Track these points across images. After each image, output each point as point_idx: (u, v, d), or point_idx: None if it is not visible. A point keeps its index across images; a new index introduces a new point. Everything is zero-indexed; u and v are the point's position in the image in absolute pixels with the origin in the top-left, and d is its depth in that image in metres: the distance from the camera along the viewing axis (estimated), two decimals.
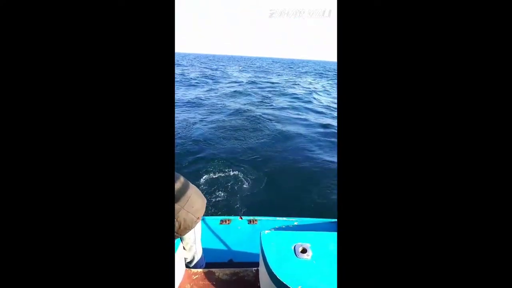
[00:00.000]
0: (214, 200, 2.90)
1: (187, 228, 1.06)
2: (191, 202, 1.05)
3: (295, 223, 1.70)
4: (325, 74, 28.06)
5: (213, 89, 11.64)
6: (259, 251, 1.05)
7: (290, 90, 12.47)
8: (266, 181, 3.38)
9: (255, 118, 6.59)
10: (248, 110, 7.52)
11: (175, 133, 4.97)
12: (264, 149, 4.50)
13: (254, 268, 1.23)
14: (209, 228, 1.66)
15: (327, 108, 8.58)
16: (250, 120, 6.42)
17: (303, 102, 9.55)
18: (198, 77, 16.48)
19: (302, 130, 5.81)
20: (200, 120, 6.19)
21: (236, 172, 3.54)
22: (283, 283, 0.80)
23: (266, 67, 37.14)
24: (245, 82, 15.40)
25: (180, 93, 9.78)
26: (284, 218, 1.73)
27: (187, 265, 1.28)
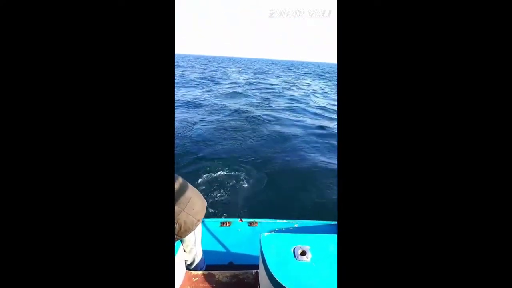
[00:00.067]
0: (213, 201, 2.90)
1: (188, 230, 1.06)
2: (192, 204, 1.05)
3: (295, 225, 1.70)
4: (324, 76, 28.12)
5: (213, 90, 11.67)
6: (259, 254, 1.05)
7: (289, 92, 12.50)
8: (266, 182, 3.38)
9: (254, 119, 6.60)
10: (247, 111, 7.54)
11: (175, 134, 4.98)
12: (263, 150, 4.50)
13: (254, 271, 1.23)
14: (210, 230, 1.66)
15: (325, 110, 8.59)
16: (249, 121, 6.43)
17: (301, 103, 9.57)
18: (197, 78, 16.51)
19: (300, 131, 5.82)
20: (200, 121, 6.20)
21: (236, 173, 3.54)
22: (282, 285, 0.79)
23: (266, 68, 37.21)
24: (244, 83, 15.44)
25: (180, 94, 9.80)
26: (284, 220, 1.73)
27: (187, 267, 1.28)
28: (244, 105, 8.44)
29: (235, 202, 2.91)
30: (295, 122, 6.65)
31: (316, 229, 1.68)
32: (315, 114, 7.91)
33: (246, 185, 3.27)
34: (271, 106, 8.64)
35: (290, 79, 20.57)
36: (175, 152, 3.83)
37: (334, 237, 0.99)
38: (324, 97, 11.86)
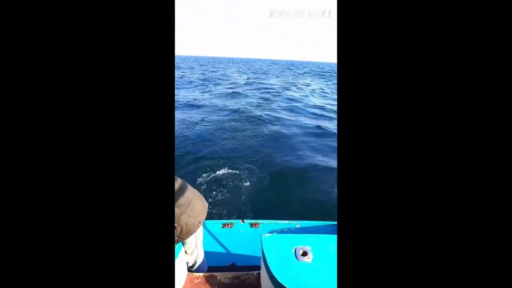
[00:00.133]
0: (214, 202, 2.90)
1: (189, 233, 1.06)
2: (193, 206, 1.05)
3: (297, 226, 1.70)
4: (324, 76, 28.11)
5: (212, 91, 11.69)
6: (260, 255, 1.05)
7: (288, 92, 12.50)
8: (267, 182, 3.38)
9: (254, 119, 6.62)
10: (246, 111, 7.55)
11: (175, 134, 4.99)
12: (263, 150, 4.51)
13: (255, 272, 1.23)
14: (212, 232, 1.66)
15: (323, 109, 8.59)
16: (249, 121, 6.44)
17: (300, 103, 9.57)
18: (197, 79, 16.54)
19: (299, 131, 5.83)
20: (200, 121, 6.21)
21: (236, 174, 3.54)
22: (284, 286, 0.79)
23: (266, 68, 37.24)
24: (243, 83, 15.46)
25: (180, 95, 9.82)
26: (286, 221, 1.73)
27: (189, 269, 1.28)
28: (243, 105, 8.45)
29: (236, 203, 2.91)
30: (294, 122, 6.66)
31: (318, 230, 1.68)
32: (314, 114, 7.92)
33: (247, 186, 3.27)
34: (270, 106, 8.64)
35: (289, 79, 20.58)
36: (175, 153, 3.84)
37: (335, 238, 0.99)
38: (323, 97, 11.86)
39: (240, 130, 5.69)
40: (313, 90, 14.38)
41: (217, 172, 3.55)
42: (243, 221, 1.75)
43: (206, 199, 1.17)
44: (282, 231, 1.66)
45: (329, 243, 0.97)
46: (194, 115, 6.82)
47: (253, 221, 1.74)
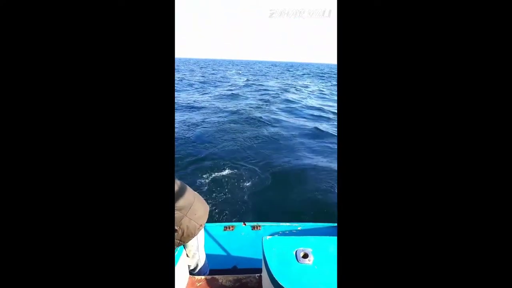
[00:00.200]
0: (215, 204, 2.90)
1: (190, 236, 1.06)
2: (194, 209, 1.05)
3: (299, 228, 1.70)
4: (323, 77, 28.16)
5: (212, 93, 11.72)
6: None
7: (287, 94, 12.52)
8: (268, 184, 3.37)
9: (254, 121, 6.63)
10: (246, 112, 7.57)
11: (175, 137, 5.00)
12: (263, 151, 4.51)
13: (257, 274, 1.23)
14: (213, 234, 1.66)
15: (322, 111, 8.61)
16: (249, 123, 6.46)
17: (299, 105, 9.58)
18: (197, 81, 16.59)
19: (297, 132, 5.83)
20: (200, 123, 6.23)
21: (237, 175, 3.54)
22: None
23: (265, 70, 37.33)
24: (242, 85, 15.50)
25: (181, 97, 9.85)
26: (288, 223, 1.73)
27: (191, 272, 1.28)
28: (243, 107, 8.48)
29: (237, 205, 2.91)
30: (293, 124, 6.67)
31: (319, 232, 1.68)
32: (313, 115, 7.93)
33: (248, 188, 3.26)
34: (269, 108, 8.66)
35: (289, 81, 20.64)
36: (176, 155, 3.85)
37: (336, 239, 0.99)
38: (321, 99, 11.87)
39: (240, 131, 5.70)
40: (311, 91, 14.41)
41: (218, 174, 3.55)
42: (245, 224, 1.74)
43: (207, 201, 1.18)
44: (283, 233, 1.66)
45: (330, 245, 0.97)
46: (194, 117, 6.84)
47: (255, 223, 1.74)
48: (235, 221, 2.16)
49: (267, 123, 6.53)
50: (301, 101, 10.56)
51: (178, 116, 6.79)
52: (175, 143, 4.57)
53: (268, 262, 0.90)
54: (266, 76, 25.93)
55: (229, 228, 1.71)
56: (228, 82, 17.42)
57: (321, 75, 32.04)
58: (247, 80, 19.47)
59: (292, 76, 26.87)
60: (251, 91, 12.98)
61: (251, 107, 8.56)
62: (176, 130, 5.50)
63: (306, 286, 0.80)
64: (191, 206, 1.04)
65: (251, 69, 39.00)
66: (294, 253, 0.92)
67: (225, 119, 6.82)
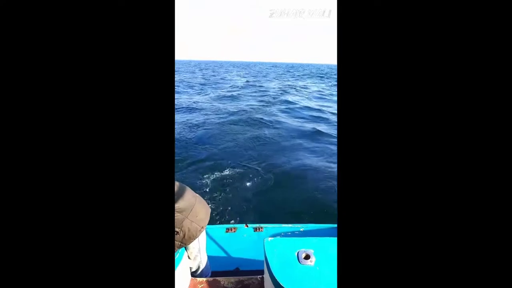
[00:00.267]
0: (216, 206, 2.90)
1: (192, 238, 1.06)
2: (195, 211, 1.06)
3: (301, 229, 1.69)
4: (323, 78, 28.19)
5: (212, 94, 11.76)
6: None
7: (287, 95, 12.54)
8: (270, 185, 3.37)
9: (254, 122, 6.64)
10: (246, 114, 7.59)
11: (176, 138, 5.02)
12: (263, 152, 4.51)
13: (259, 276, 1.23)
14: (215, 236, 1.66)
15: (323, 112, 8.61)
16: (249, 124, 6.47)
17: (299, 106, 9.59)
18: (198, 83, 16.66)
19: (298, 133, 5.84)
20: (200, 124, 6.24)
21: (238, 177, 3.54)
22: None
23: (265, 72, 37.41)
24: (243, 86, 15.54)
25: (181, 99, 9.89)
26: (290, 225, 1.72)
27: (193, 274, 1.28)
28: (243, 108, 8.49)
29: (238, 206, 2.91)
30: (292, 125, 6.68)
31: (321, 233, 1.67)
32: (313, 116, 7.94)
33: (249, 189, 3.26)
34: (269, 109, 8.67)
35: (290, 83, 20.69)
36: (176, 157, 3.86)
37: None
38: (321, 99, 11.87)
39: (241, 133, 5.71)
40: (311, 92, 14.43)
41: (219, 176, 3.55)
42: (247, 226, 1.74)
43: (208, 203, 1.18)
44: (285, 235, 1.66)
45: (332, 246, 0.97)
46: (195, 118, 6.86)
47: (257, 225, 1.74)
48: (236, 223, 2.15)
49: (268, 124, 6.54)
50: (301, 102, 10.57)
51: (178, 118, 6.82)
52: (175, 145, 4.59)
53: (269, 264, 0.89)
54: (266, 76, 26.00)
55: (231, 230, 1.71)
56: (228, 83, 17.48)
57: (320, 75, 32.08)
58: (248, 81, 19.54)
59: (293, 77, 26.92)
60: (251, 92, 13.02)
61: (252, 108, 8.57)
62: (176, 131, 5.53)
63: (308, 287, 0.80)
64: (192, 208, 1.04)
65: (251, 70, 39.09)
66: (296, 254, 0.92)
67: (226, 120, 6.83)
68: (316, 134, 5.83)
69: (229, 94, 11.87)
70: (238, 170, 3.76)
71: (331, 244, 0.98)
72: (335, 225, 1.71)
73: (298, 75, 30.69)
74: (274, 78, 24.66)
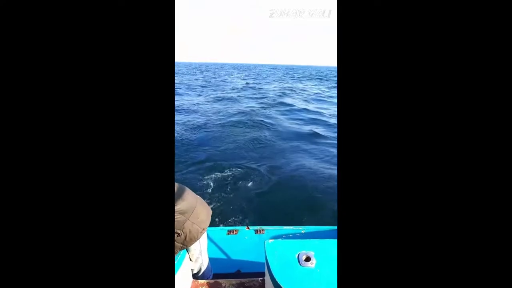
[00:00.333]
0: (218, 208, 2.90)
1: (193, 239, 1.06)
2: (196, 213, 1.06)
3: (302, 231, 1.69)
4: (322, 80, 28.26)
5: (212, 96, 11.79)
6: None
7: (287, 97, 12.56)
8: (271, 186, 3.37)
9: (254, 124, 6.65)
10: (246, 116, 7.60)
11: (176, 139, 5.03)
12: (264, 154, 4.51)
13: (260, 278, 1.23)
14: (217, 238, 1.66)
15: (321, 115, 8.62)
16: (249, 126, 6.48)
17: (298, 108, 9.60)
18: (198, 85, 16.71)
19: (296, 135, 5.85)
20: (201, 126, 6.26)
21: (239, 178, 3.53)
22: None
23: (265, 74, 37.51)
24: (242, 88, 15.59)
25: (182, 101, 9.91)
26: (291, 227, 1.72)
27: (194, 276, 1.28)
28: (243, 110, 8.52)
29: (239, 208, 2.90)
30: (292, 126, 6.68)
31: (322, 235, 1.67)
32: (312, 118, 7.95)
33: (250, 190, 3.26)
34: (269, 111, 8.69)
35: (289, 84, 20.72)
36: (176, 159, 3.86)
37: None
38: (321, 101, 11.89)
39: (241, 134, 5.72)
40: (310, 94, 14.47)
41: (219, 177, 3.55)
42: (248, 228, 1.74)
43: (208, 204, 1.18)
44: (286, 237, 1.66)
45: (332, 248, 0.97)
46: (195, 120, 6.87)
47: (258, 227, 1.74)
48: (237, 224, 2.15)
49: (268, 126, 6.55)
50: (301, 103, 10.59)
51: (179, 119, 6.83)
52: (176, 146, 4.60)
53: (270, 266, 0.89)
54: (266, 79, 26.07)
55: (233, 232, 1.71)
56: (229, 85, 17.53)
57: (320, 77, 32.15)
58: (247, 83, 19.61)
59: (292, 79, 26.98)
60: (251, 94, 13.05)
61: (252, 110, 8.60)
62: (177, 133, 5.54)
63: None
64: (193, 210, 1.05)
65: (252, 73, 39.19)
66: (297, 256, 0.92)
67: (226, 122, 6.84)
68: (313, 137, 5.84)
69: (228, 95, 11.90)
70: (238, 171, 3.76)
71: (331, 246, 0.98)
72: (335, 227, 1.71)
73: (298, 77, 30.79)
74: (273, 80, 24.74)
